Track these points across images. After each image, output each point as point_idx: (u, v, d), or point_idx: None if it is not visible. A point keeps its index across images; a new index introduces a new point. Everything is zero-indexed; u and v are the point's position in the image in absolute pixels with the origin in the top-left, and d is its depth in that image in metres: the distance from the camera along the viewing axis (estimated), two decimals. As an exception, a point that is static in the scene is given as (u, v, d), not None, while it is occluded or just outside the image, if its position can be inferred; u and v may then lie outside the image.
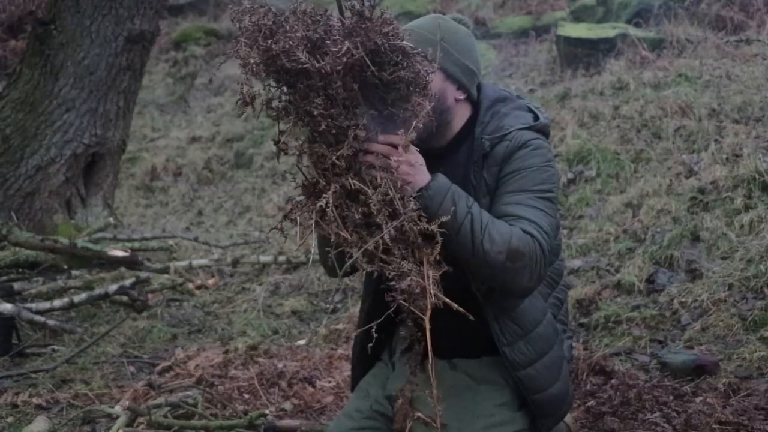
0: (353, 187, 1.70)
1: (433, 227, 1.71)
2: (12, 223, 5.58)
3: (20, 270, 5.17)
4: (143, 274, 5.02)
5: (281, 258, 5.61)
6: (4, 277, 4.97)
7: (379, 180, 1.70)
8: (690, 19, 7.80)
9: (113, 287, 4.71)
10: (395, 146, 1.74)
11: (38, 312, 4.37)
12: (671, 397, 3.23)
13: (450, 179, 1.95)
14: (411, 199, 1.74)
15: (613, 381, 3.38)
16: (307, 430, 3.15)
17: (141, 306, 4.83)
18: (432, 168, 1.97)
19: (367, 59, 1.64)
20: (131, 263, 5.29)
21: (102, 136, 6.18)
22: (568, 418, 2.30)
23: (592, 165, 5.65)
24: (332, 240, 1.73)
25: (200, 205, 7.63)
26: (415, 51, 1.72)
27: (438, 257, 1.74)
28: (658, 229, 4.69)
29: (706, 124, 5.68)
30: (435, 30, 1.97)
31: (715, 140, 5.45)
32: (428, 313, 1.70)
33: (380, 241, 1.68)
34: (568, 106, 6.64)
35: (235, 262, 5.68)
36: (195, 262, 5.67)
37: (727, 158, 5.16)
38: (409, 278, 1.69)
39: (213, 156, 8.48)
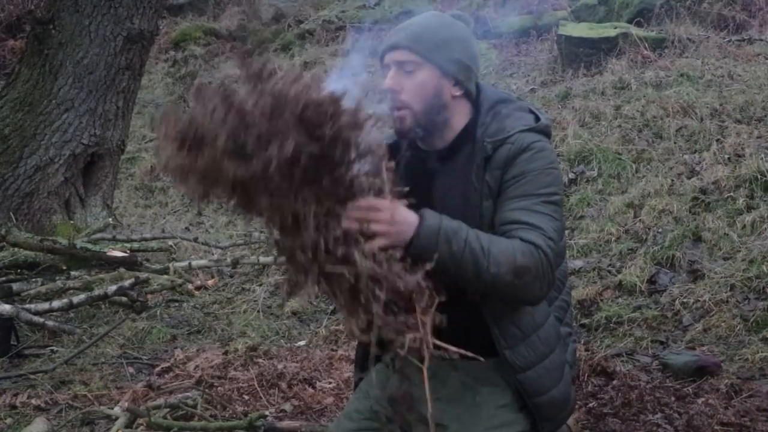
0: (330, 271, 1.66)
1: (417, 277, 1.68)
2: (11, 223, 5.58)
3: (19, 271, 5.15)
4: (142, 275, 4.99)
5: (281, 258, 5.58)
6: (3, 278, 4.95)
7: (354, 258, 1.64)
8: (692, 19, 7.80)
9: (112, 288, 4.69)
10: (369, 209, 1.68)
11: (37, 313, 4.35)
12: (673, 398, 3.23)
13: (452, 182, 1.94)
14: (395, 256, 1.69)
15: (614, 382, 3.37)
16: (307, 431, 3.13)
17: (140, 307, 4.81)
18: (435, 171, 1.97)
19: (301, 156, 1.54)
20: (130, 264, 5.27)
21: (101, 136, 6.16)
22: (570, 420, 2.29)
23: (593, 165, 5.64)
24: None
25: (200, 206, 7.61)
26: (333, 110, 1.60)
27: (430, 301, 1.71)
28: (660, 230, 4.68)
29: (707, 124, 5.67)
30: (429, 26, 1.96)
31: (717, 140, 5.44)
32: (426, 363, 1.68)
33: (373, 314, 1.65)
34: (569, 105, 6.63)
35: (235, 263, 5.66)
36: (194, 263, 5.64)
37: (729, 158, 5.15)
38: (407, 336, 1.66)
39: (213, 156, 8.46)
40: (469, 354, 1.70)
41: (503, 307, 1.93)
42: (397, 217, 1.71)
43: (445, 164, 1.97)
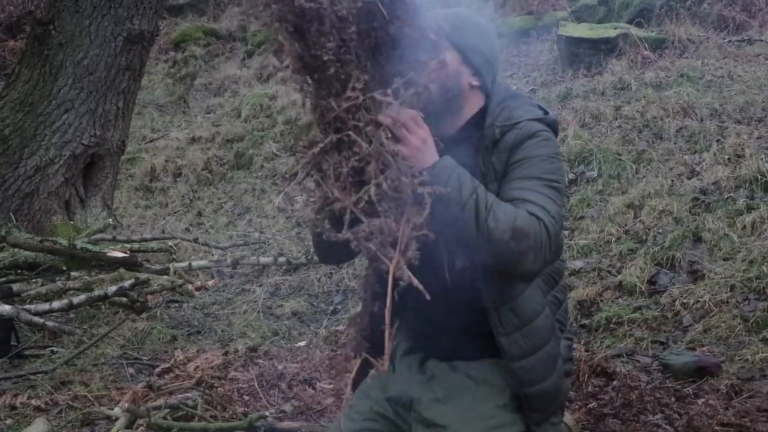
0: (349, 138, 1.68)
1: (425, 190, 1.68)
2: (11, 224, 5.58)
3: (19, 271, 5.16)
4: (143, 276, 4.99)
5: (281, 259, 5.59)
6: (3, 279, 4.95)
7: (379, 137, 1.67)
8: (692, 19, 7.79)
9: (112, 288, 4.69)
10: (412, 120, 1.74)
11: (37, 313, 4.35)
12: (673, 399, 3.23)
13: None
14: (410, 165, 1.72)
15: (614, 382, 3.37)
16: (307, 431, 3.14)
17: (140, 307, 4.81)
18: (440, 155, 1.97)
19: (380, 4, 1.65)
20: (130, 264, 5.28)
21: (101, 137, 6.16)
22: (570, 420, 2.29)
23: (593, 165, 5.63)
24: (324, 201, 1.70)
25: (200, 206, 7.62)
26: (419, 8, 1.73)
27: (419, 225, 1.69)
28: (660, 230, 4.68)
29: (708, 125, 5.67)
30: (459, 14, 2.01)
31: (717, 141, 5.44)
32: (393, 264, 1.65)
33: (369, 194, 1.65)
34: (569, 106, 6.63)
35: (235, 264, 5.66)
36: (194, 264, 5.65)
37: (729, 159, 5.14)
38: (381, 221, 1.65)
39: (212, 157, 8.47)
40: (424, 292, 1.64)
41: (504, 292, 1.93)
42: (428, 141, 1.78)
43: (451, 151, 1.98)
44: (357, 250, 1.66)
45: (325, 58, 1.65)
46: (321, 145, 1.67)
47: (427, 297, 1.63)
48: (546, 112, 2.02)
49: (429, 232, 1.68)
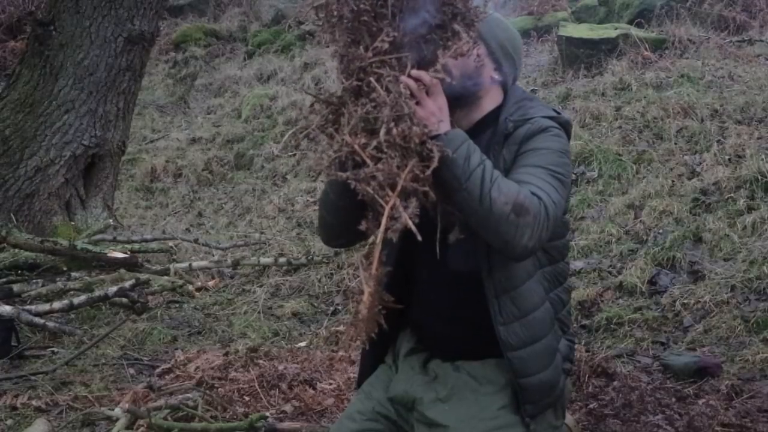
0: (369, 86, 1.71)
1: (434, 144, 1.71)
2: (11, 224, 5.58)
3: (19, 272, 5.16)
4: (143, 276, 5.00)
5: (282, 260, 5.59)
6: (4, 279, 4.95)
7: (398, 88, 1.70)
8: (692, 20, 7.80)
9: (113, 289, 4.69)
10: (434, 85, 1.77)
11: (38, 314, 4.36)
12: (674, 399, 3.23)
13: None
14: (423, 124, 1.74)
15: (615, 383, 3.37)
16: (308, 432, 3.14)
17: (141, 308, 4.81)
18: None
19: None
20: (131, 265, 5.28)
21: (101, 138, 6.17)
22: (570, 420, 2.28)
23: (593, 166, 5.64)
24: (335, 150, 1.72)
25: (200, 207, 7.62)
26: None
27: (425, 179, 1.71)
28: (661, 231, 4.68)
29: (708, 125, 5.67)
30: (493, 14, 2.03)
31: (718, 141, 5.44)
32: (389, 205, 1.67)
33: (377, 139, 1.68)
34: (569, 106, 6.63)
35: (236, 264, 5.66)
36: (195, 264, 5.65)
37: (729, 159, 5.15)
38: (383, 163, 1.66)
39: (213, 157, 8.47)
40: (414, 229, 1.66)
41: (505, 280, 1.95)
42: (444, 110, 1.81)
43: None
44: (355, 191, 1.68)
45: (361, 6, 1.69)
46: (343, 86, 1.71)
47: (419, 238, 1.65)
48: (559, 114, 2.05)
49: (431, 189, 1.71)
